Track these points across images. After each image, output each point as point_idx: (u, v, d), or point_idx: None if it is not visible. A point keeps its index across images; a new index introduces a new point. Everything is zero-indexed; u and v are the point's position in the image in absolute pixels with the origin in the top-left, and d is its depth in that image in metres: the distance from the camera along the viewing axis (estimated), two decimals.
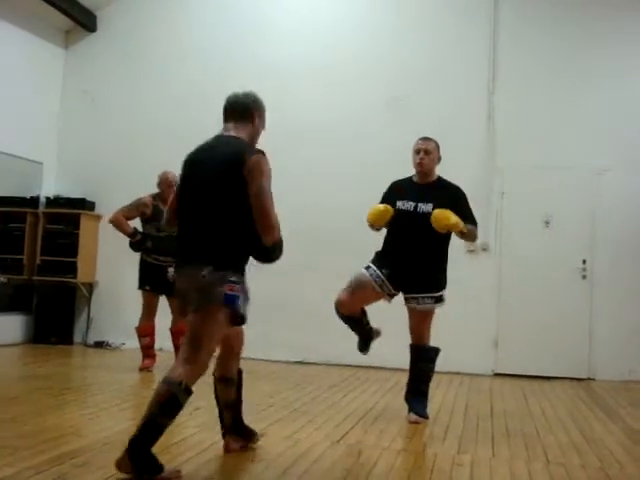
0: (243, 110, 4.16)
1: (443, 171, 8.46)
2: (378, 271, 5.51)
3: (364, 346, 5.88)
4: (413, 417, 5.43)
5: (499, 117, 8.91)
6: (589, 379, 8.41)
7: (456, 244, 8.19)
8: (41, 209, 9.70)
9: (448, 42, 9.12)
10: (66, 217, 9.59)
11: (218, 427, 4.86)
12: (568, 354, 8.50)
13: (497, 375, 8.52)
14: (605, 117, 8.70)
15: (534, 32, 8.94)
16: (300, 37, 9.47)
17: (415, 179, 5.71)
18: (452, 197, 5.54)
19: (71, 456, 3.93)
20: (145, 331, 7.64)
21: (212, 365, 4.04)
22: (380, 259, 5.60)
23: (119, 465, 3.57)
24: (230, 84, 9.72)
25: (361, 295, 5.56)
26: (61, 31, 10.15)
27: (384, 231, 5.69)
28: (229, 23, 9.70)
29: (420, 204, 5.45)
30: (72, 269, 9.49)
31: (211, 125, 9.80)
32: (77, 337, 9.72)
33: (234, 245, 3.83)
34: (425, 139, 5.66)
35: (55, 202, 9.70)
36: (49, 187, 9.92)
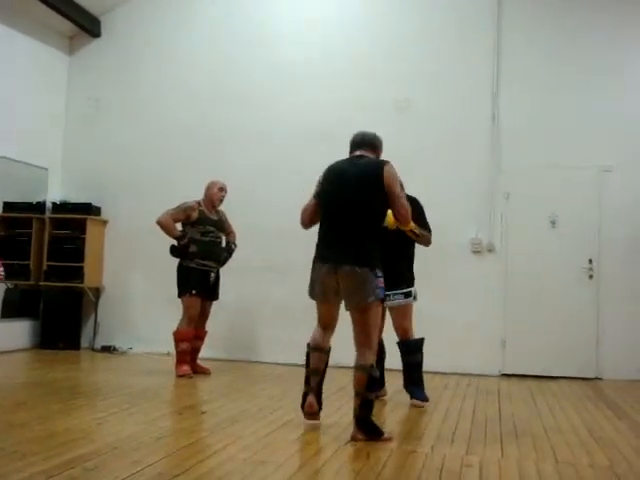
0: (371, 144, 5.18)
1: (449, 173, 8.55)
2: None
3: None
4: (415, 402, 6.22)
5: (503, 118, 8.90)
6: (597, 379, 8.39)
7: (462, 246, 8.28)
8: (47, 214, 9.73)
9: (452, 44, 9.12)
10: (72, 222, 9.61)
11: (226, 431, 4.89)
12: (575, 354, 8.49)
13: (504, 375, 8.51)
14: (609, 116, 8.68)
15: (538, 33, 8.93)
16: (303, 41, 9.49)
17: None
18: (413, 211, 5.74)
19: (82, 460, 3.95)
20: (186, 336, 7.57)
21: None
22: None
23: (354, 437, 4.74)
24: (234, 88, 9.90)
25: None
26: (65, 37, 10.19)
27: None
28: (233, 27, 9.73)
29: None
30: (79, 274, 9.52)
31: (216, 129, 9.88)
32: (84, 342, 9.75)
33: (376, 246, 4.86)
34: None
35: (61, 207, 9.74)
36: (55, 193, 9.96)
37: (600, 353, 8.48)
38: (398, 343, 6.29)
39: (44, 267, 9.59)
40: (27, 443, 4.31)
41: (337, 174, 4.97)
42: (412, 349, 6.27)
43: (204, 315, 7.81)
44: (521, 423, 5.60)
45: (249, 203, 9.19)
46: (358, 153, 5.05)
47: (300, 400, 5.12)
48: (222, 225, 7.88)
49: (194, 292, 7.55)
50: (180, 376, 7.42)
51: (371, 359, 4.79)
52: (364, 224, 4.80)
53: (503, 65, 8.95)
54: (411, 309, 6.26)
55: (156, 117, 9.88)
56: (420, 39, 9.19)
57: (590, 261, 8.55)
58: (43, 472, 3.69)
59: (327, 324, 5.07)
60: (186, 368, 7.51)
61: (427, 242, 6.19)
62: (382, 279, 4.77)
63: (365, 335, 4.80)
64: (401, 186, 4.96)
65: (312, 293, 5.01)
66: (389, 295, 5.87)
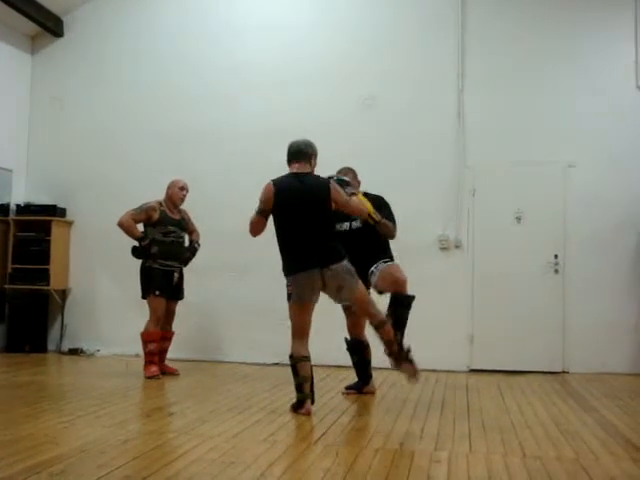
0: (304, 154, 5.79)
1: (415, 170, 8.60)
2: None
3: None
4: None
5: (469, 115, 8.95)
6: (564, 372, 8.48)
7: (429, 242, 8.32)
8: (11, 216, 9.62)
9: (417, 41, 9.16)
10: (37, 224, 9.51)
11: (194, 432, 4.87)
12: (543, 348, 8.56)
13: (473, 371, 8.57)
14: (572, 112, 8.77)
15: (501, 30, 8.99)
16: (270, 38, 9.47)
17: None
18: (377, 206, 6.30)
19: (48, 465, 3.90)
20: (154, 337, 7.55)
21: None
22: None
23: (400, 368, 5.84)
24: (200, 86, 9.88)
25: (349, 312, 6.52)
26: (27, 36, 10.07)
27: None
28: (196, 27, 9.69)
29: (353, 222, 6.42)
30: (44, 276, 9.41)
31: (180, 130, 9.83)
32: (51, 345, 9.66)
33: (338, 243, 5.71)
34: (346, 170, 6.59)
35: (26, 209, 9.63)
36: (19, 194, 9.84)
37: (567, 347, 8.57)
38: (392, 296, 6.21)
39: (9, 270, 9.48)
40: None
41: (290, 192, 5.64)
42: (406, 303, 6.19)
43: (170, 315, 7.79)
44: (489, 418, 5.64)
45: (214, 204, 9.17)
46: (296, 169, 5.75)
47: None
48: (184, 225, 7.86)
49: (157, 293, 7.54)
50: (149, 377, 7.39)
51: (381, 315, 5.78)
52: (326, 230, 5.65)
53: (468, 62, 9.00)
54: (398, 267, 6.32)
55: (120, 117, 9.81)
56: (384, 37, 9.20)
57: (556, 256, 8.63)
58: (8, 478, 3.64)
59: (304, 332, 5.62)
60: (155, 369, 7.48)
61: (390, 231, 6.36)
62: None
63: (369, 305, 5.75)
64: (344, 186, 5.91)
65: (302, 299, 5.56)
66: (369, 274, 6.26)
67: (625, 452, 4.54)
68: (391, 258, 6.45)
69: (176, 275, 7.72)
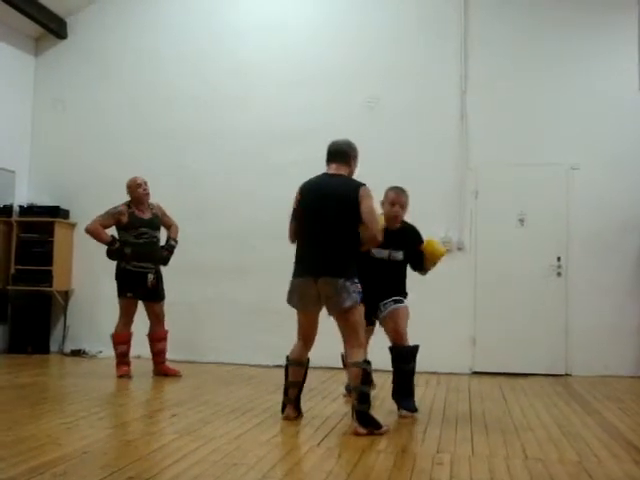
0: (343, 155, 5.38)
1: (419, 171, 8.56)
2: None
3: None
4: (404, 413, 5.73)
5: (471, 117, 8.95)
6: (566, 375, 8.47)
7: None
8: (15, 217, 9.63)
9: (419, 43, 9.16)
10: (40, 225, 9.52)
11: (197, 433, 4.87)
12: (545, 351, 8.56)
13: (475, 373, 8.57)
14: (576, 114, 8.78)
15: (505, 31, 9.00)
16: (272, 39, 9.48)
17: (385, 225, 5.90)
18: (415, 240, 6.08)
19: (50, 466, 3.90)
20: (124, 338, 7.62)
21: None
22: None
23: (355, 431, 4.93)
24: (203, 87, 9.88)
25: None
26: (31, 38, 10.08)
27: None
28: (200, 26, 9.70)
29: (392, 252, 5.96)
30: (47, 278, 9.42)
31: (185, 130, 9.84)
32: (53, 346, 9.66)
33: (353, 258, 5.20)
34: (399, 192, 6.01)
35: (29, 210, 9.64)
36: (22, 195, 9.85)
37: (569, 350, 8.56)
38: (390, 348, 5.87)
39: (12, 271, 9.48)
40: None
41: (314, 192, 5.26)
42: (406, 356, 5.82)
43: (154, 317, 7.76)
44: (492, 420, 5.64)
45: (215, 205, 9.19)
46: (333, 170, 5.33)
47: (278, 405, 5.31)
48: (157, 222, 7.78)
49: (129, 295, 7.55)
50: (120, 376, 7.47)
51: (362, 355, 5.12)
52: (341, 238, 5.14)
53: (471, 64, 9.01)
54: (406, 313, 5.92)
55: (123, 118, 9.82)
56: (387, 38, 9.21)
57: (559, 259, 8.63)
58: (11, 478, 3.64)
59: (307, 335, 5.39)
60: (125, 369, 7.57)
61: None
62: (359, 284, 5.14)
63: (352, 335, 5.16)
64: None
65: (291, 301, 5.32)
66: (387, 303, 5.89)
67: (627, 454, 4.54)
68: (405, 294, 6.05)
69: (150, 276, 7.64)
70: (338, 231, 5.14)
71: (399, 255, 5.96)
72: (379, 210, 5.67)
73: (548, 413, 6.01)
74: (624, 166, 8.64)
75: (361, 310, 5.21)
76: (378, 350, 5.89)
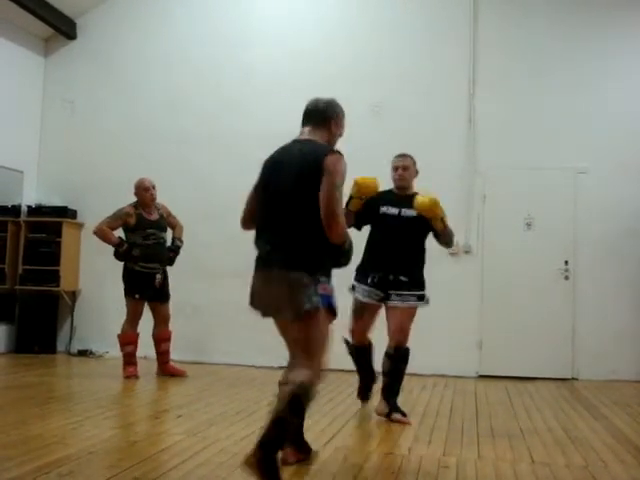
0: (320, 116, 4.24)
1: (426, 174, 8.51)
2: (363, 285, 5.75)
3: (365, 393, 6.19)
4: (401, 418, 5.58)
5: (480, 120, 8.95)
6: (573, 379, 8.45)
7: (439, 248, 8.24)
8: (23, 218, 9.65)
9: (428, 46, 9.16)
10: (48, 226, 9.53)
11: (202, 434, 4.87)
12: (552, 355, 8.54)
13: (481, 377, 8.55)
14: (585, 118, 8.76)
15: (514, 35, 8.99)
16: (280, 43, 9.48)
17: (395, 192, 5.89)
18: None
19: (56, 465, 3.91)
20: (131, 339, 7.64)
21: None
22: (364, 270, 5.78)
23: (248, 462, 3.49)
24: (213, 90, 9.89)
25: (366, 316, 5.80)
26: (41, 39, 10.11)
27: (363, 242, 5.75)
28: (211, 29, 9.70)
29: (404, 209, 5.69)
30: (55, 278, 9.43)
31: (193, 131, 9.84)
32: (60, 346, 9.67)
33: (320, 247, 3.72)
34: (401, 156, 5.91)
35: (37, 211, 9.65)
36: (30, 196, 9.86)
37: (576, 354, 8.54)
38: (392, 350, 5.68)
39: (20, 271, 9.49)
40: (1, 448, 4.26)
41: (275, 163, 4.03)
42: (406, 357, 5.72)
43: (160, 317, 7.79)
44: (498, 424, 5.63)
45: (223, 207, 9.17)
46: (306, 134, 4.12)
47: None
48: (163, 223, 7.81)
49: (137, 296, 7.58)
50: (127, 377, 7.48)
51: (309, 379, 3.59)
52: (299, 222, 3.74)
53: (479, 67, 9.00)
54: (415, 313, 5.71)
55: (131, 120, 9.83)
56: (395, 42, 9.21)
57: (566, 262, 8.61)
58: (17, 478, 3.65)
59: (288, 349, 3.93)
60: (132, 370, 7.57)
61: (450, 238, 5.86)
62: (328, 285, 3.73)
63: (304, 354, 3.69)
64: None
65: (252, 303, 4.04)
66: (402, 296, 5.61)
67: (634, 459, 4.53)
68: (424, 287, 5.75)
69: (158, 277, 7.68)
70: (297, 212, 3.74)
71: (412, 212, 5.60)
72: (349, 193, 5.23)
73: (555, 417, 6.00)
74: (632, 170, 8.61)
75: (326, 323, 3.72)
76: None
